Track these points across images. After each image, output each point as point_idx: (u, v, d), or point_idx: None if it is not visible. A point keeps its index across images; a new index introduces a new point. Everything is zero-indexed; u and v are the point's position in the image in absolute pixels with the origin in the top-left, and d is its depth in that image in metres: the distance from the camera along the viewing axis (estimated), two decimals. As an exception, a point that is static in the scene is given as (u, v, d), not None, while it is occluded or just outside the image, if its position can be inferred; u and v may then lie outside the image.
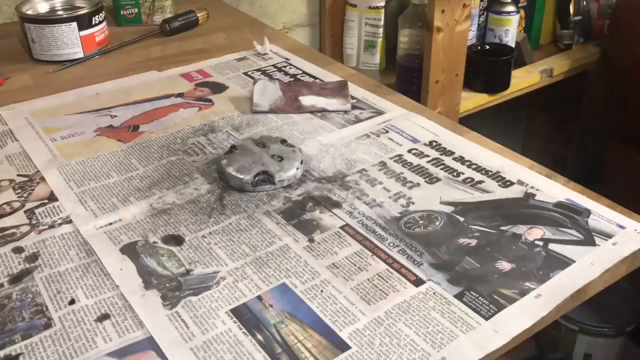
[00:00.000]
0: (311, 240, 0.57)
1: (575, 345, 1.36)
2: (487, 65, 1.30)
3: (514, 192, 0.64)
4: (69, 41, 0.93)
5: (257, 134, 0.75)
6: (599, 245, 0.56)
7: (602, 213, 0.60)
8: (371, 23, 1.37)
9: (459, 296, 0.51)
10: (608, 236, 0.57)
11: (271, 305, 0.50)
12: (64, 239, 0.58)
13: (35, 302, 0.50)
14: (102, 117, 0.80)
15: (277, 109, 0.81)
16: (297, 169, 0.66)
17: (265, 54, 0.99)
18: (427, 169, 0.68)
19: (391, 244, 0.57)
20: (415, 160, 0.70)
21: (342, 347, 0.46)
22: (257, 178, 0.64)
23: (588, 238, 0.57)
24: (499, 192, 0.64)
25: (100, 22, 0.96)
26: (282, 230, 0.59)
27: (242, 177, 0.64)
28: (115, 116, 0.80)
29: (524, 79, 1.37)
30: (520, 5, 1.44)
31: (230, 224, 0.60)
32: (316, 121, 0.78)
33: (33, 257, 0.55)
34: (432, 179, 0.66)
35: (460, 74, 1.22)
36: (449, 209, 0.61)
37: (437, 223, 0.60)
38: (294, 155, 0.67)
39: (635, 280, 0.56)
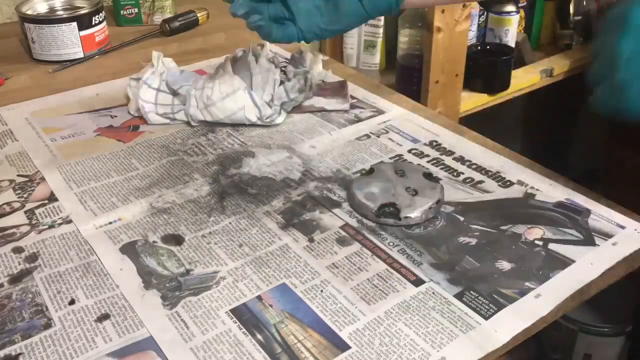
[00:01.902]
0: (311, 240, 0.57)
1: (575, 345, 1.36)
2: (487, 65, 1.30)
3: (514, 192, 0.64)
4: (69, 41, 0.93)
5: (257, 134, 0.75)
6: (598, 245, 0.56)
7: (602, 213, 0.60)
8: (371, 23, 1.37)
9: (459, 296, 0.51)
10: (608, 236, 0.57)
11: (271, 305, 0.50)
12: (63, 239, 0.58)
13: (35, 302, 0.50)
14: (102, 117, 0.80)
15: None
16: (431, 207, 0.59)
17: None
18: (427, 169, 0.68)
19: (391, 244, 0.57)
20: (415, 160, 0.70)
21: (342, 347, 0.46)
22: (382, 210, 0.59)
23: (588, 238, 0.57)
24: (499, 192, 0.64)
25: (100, 22, 0.96)
26: (282, 230, 0.59)
27: (368, 204, 0.60)
28: (115, 116, 0.80)
29: (524, 79, 1.37)
30: (520, 5, 1.44)
31: (230, 223, 0.60)
32: (316, 121, 0.78)
33: (33, 257, 0.55)
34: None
35: (460, 74, 1.22)
36: (449, 209, 0.61)
37: (437, 223, 0.60)
38: (431, 192, 0.61)
39: (636, 280, 0.56)
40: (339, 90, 0.85)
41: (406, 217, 0.58)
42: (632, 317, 1.11)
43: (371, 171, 0.65)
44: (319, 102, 0.82)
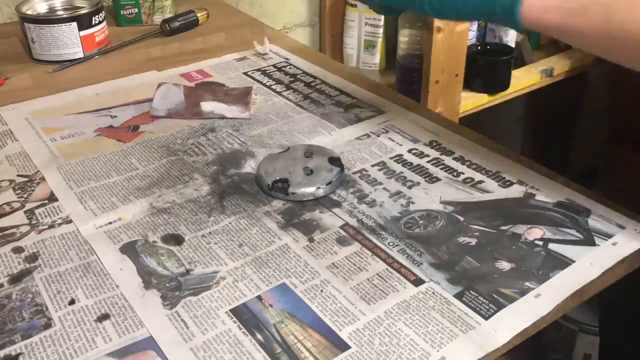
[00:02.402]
0: (311, 240, 0.57)
1: (575, 345, 1.36)
2: (487, 65, 1.30)
3: (514, 192, 0.64)
4: (69, 41, 0.93)
5: (257, 134, 0.75)
6: (598, 245, 0.56)
7: (602, 213, 0.60)
8: (371, 23, 1.37)
9: (459, 296, 0.51)
10: (608, 236, 0.57)
11: (271, 305, 0.50)
12: (63, 239, 0.58)
13: (35, 302, 0.50)
14: (102, 117, 0.80)
15: (175, 114, 0.79)
16: (319, 188, 0.63)
17: (265, 54, 0.99)
18: (427, 168, 0.68)
19: (391, 244, 0.57)
20: (415, 160, 0.70)
21: (342, 346, 0.46)
22: (275, 185, 0.63)
23: (588, 238, 0.57)
24: (499, 192, 0.64)
25: (100, 22, 0.96)
26: (282, 230, 0.59)
27: (265, 178, 0.64)
28: (115, 116, 0.80)
29: (524, 79, 1.37)
30: (520, 5, 1.44)
31: (230, 223, 0.60)
32: (316, 121, 0.78)
33: (33, 257, 0.55)
34: (432, 179, 0.66)
35: (460, 74, 1.22)
36: (449, 209, 0.61)
37: (437, 223, 0.60)
38: (327, 174, 0.64)
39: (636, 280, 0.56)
40: (242, 97, 0.82)
41: (293, 194, 0.62)
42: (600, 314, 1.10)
43: (286, 150, 0.68)
44: (219, 108, 0.80)
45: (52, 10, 0.98)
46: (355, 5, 1.37)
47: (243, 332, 0.48)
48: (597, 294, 0.52)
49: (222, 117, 0.79)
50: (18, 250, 0.56)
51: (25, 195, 0.64)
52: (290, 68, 0.94)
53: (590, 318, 1.33)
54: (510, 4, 0.50)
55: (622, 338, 0.89)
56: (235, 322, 0.49)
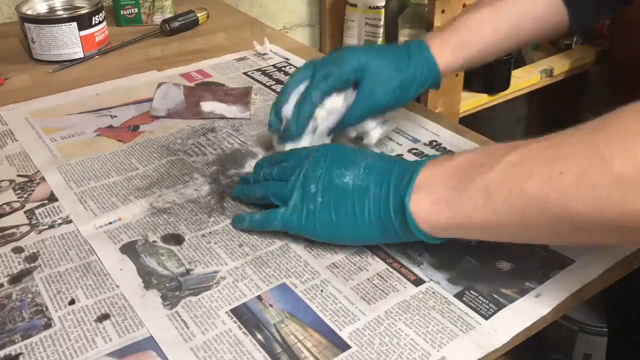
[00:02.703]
0: (311, 240, 0.57)
1: (575, 345, 1.36)
2: (487, 65, 1.30)
3: (514, 191, 0.64)
4: (69, 41, 0.93)
5: (257, 134, 0.75)
6: (599, 245, 0.56)
7: (602, 213, 0.60)
8: (371, 23, 1.37)
9: (459, 296, 0.51)
10: (608, 236, 0.57)
11: (271, 305, 0.50)
12: (63, 239, 0.58)
13: (35, 302, 0.50)
14: (102, 117, 0.80)
15: (174, 115, 0.79)
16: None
17: (265, 54, 0.99)
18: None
19: (391, 243, 0.57)
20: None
21: (342, 346, 0.46)
22: None
23: (588, 238, 0.57)
24: (499, 192, 0.64)
25: (100, 22, 0.96)
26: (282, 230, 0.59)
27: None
28: (115, 116, 0.80)
29: (524, 79, 1.37)
30: (520, 5, 1.44)
31: (230, 223, 0.60)
32: (316, 121, 0.78)
33: (33, 257, 0.55)
34: (432, 179, 0.66)
35: (460, 74, 1.22)
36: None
37: (437, 223, 0.59)
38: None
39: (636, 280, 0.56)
40: (242, 97, 0.82)
41: None
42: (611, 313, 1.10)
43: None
44: (219, 108, 0.80)
45: (52, 10, 0.98)
46: (356, 5, 1.37)
47: (243, 332, 0.48)
48: (602, 294, 0.52)
49: (222, 117, 0.79)
50: (18, 250, 0.56)
51: (25, 195, 0.64)
52: (290, 68, 0.94)
53: (590, 318, 1.33)
54: (403, 215, 0.48)
55: (630, 339, 0.89)
56: (236, 322, 0.49)
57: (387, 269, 0.54)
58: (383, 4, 1.35)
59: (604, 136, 0.41)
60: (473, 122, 1.03)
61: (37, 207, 0.62)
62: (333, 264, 0.54)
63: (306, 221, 0.53)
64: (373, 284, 0.52)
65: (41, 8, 0.97)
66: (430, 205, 0.47)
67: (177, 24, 1.06)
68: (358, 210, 0.51)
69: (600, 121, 0.42)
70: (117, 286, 0.52)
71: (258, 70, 0.93)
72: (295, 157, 0.57)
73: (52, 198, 0.64)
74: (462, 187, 0.46)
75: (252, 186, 0.61)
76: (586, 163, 0.40)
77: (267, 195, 0.57)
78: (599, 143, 0.41)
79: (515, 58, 1.33)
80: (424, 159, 0.52)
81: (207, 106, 0.80)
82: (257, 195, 0.59)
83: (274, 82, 0.89)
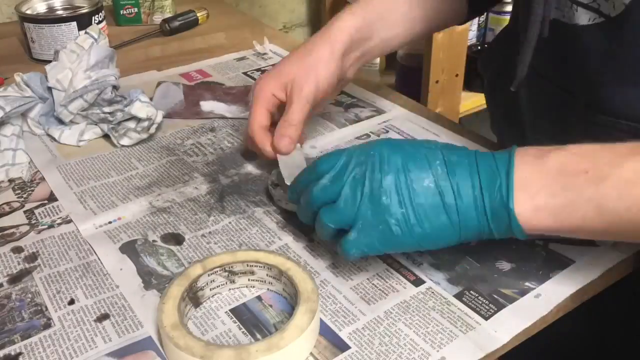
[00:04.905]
0: (311, 240, 0.57)
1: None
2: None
3: (514, 192, 0.64)
4: (69, 41, 0.92)
5: (257, 133, 0.75)
6: (599, 246, 0.56)
7: (602, 213, 0.60)
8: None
9: (459, 296, 0.51)
10: (608, 236, 0.57)
11: (271, 305, 0.50)
12: (63, 239, 0.58)
13: (35, 302, 0.50)
14: (102, 117, 0.80)
15: (174, 114, 0.79)
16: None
17: (265, 53, 0.99)
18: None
19: (391, 244, 0.56)
20: (415, 160, 0.69)
21: (342, 346, 0.46)
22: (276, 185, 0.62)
23: (588, 238, 0.57)
24: (498, 192, 0.64)
25: (100, 22, 0.96)
26: (282, 230, 0.59)
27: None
28: (115, 116, 0.80)
29: (524, 79, 1.36)
30: (520, 5, 1.44)
31: (230, 223, 0.60)
32: (316, 120, 0.78)
33: (32, 257, 0.55)
34: (432, 179, 0.66)
35: (460, 74, 1.22)
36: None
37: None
38: None
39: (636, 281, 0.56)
40: (242, 96, 0.82)
41: None
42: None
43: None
44: (218, 108, 0.80)
45: (51, 9, 0.98)
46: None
47: (243, 332, 0.48)
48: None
49: (222, 117, 0.79)
50: (18, 250, 0.56)
51: (24, 195, 0.64)
52: (290, 68, 0.93)
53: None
54: (506, 219, 0.45)
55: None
56: (235, 322, 0.49)
57: (386, 269, 0.54)
58: (383, 3, 1.35)
59: None
60: (473, 122, 1.04)
61: (36, 207, 0.62)
62: (333, 264, 0.54)
63: (387, 238, 0.47)
64: (373, 284, 0.52)
65: (41, 8, 0.97)
66: (533, 210, 0.44)
67: (177, 23, 1.06)
68: (447, 217, 0.46)
69: None
70: (117, 286, 0.52)
71: (258, 70, 0.93)
72: (340, 167, 0.49)
73: (51, 198, 0.64)
74: (569, 196, 0.43)
75: (302, 212, 0.53)
76: None
77: (324, 225, 0.49)
78: None
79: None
80: (505, 151, 0.47)
81: (207, 106, 0.80)
82: (308, 220, 0.52)
83: (274, 82, 0.89)
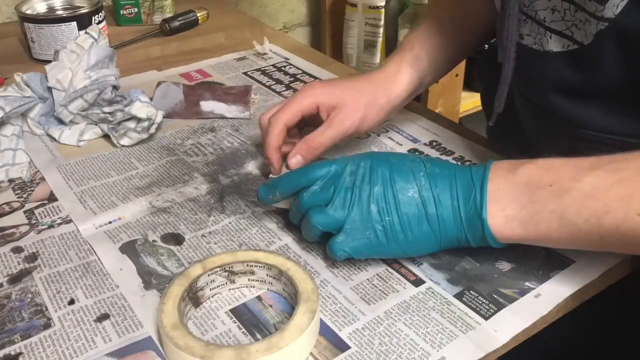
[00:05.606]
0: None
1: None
2: (487, 65, 1.29)
3: (514, 192, 0.64)
4: (69, 41, 0.92)
5: (257, 134, 0.75)
6: (599, 245, 0.56)
7: (602, 213, 0.60)
8: (371, 23, 1.37)
9: (459, 296, 0.51)
10: (608, 236, 0.57)
11: (271, 306, 0.50)
12: (63, 239, 0.58)
13: (35, 302, 0.50)
14: (102, 117, 0.80)
15: (174, 114, 0.79)
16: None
17: (265, 53, 0.99)
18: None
19: (391, 244, 0.56)
20: (415, 160, 0.70)
21: (342, 346, 0.46)
22: None
23: (588, 238, 0.57)
24: (498, 192, 0.64)
25: (100, 22, 0.96)
26: (282, 230, 0.59)
27: None
28: (115, 116, 0.80)
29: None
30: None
31: (230, 223, 0.60)
32: (316, 121, 0.78)
33: (32, 257, 0.55)
34: (432, 179, 0.66)
35: (460, 74, 1.22)
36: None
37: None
38: None
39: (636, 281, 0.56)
40: (242, 96, 0.82)
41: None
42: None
43: None
44: (218, 108, 0.80)
45: (51, 9, 0.98)
46: (356, 5, 1.37)
47: (243, 332, 0.48)
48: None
49: (222, 117, 0.79)
50: (17, 250, 0.56)
51: (24, 195, 0.64)
52: (290, 68, 0.94)
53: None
54: (480, 229, 0.48)
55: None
56: (235, 322, 0.49)
57: (386, 269, 0.54)
58: (383, 4, 1.35)
59: None
60: (473, 122, 1.04)
61: (36, 207, 0.62)
62: (333, 264, 0.54)
63: (373, 243, 0.50)
64: (373, 284, 0.52)
65: (41, 8, 0.97)
66: (504, 221, 0.48)
67: (177, 23, 1.06)
68: (428, 225, 0.49)
69: None
70: (117, 286, 0.52)
71: (258, 70, 0.93)
72: (330, 176, 0.52)
73: (51, 198, 0.64)
74: (535, 208, 0.47)
75: (293, 215, 0.55)
76: None
77: (313, 226, 0.51)
78: None
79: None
80: (481, 165, 0.50)
81: (207, 106, 0.80)
82: (297, 221, 0.55)
83: (274, 82, 0.89)
